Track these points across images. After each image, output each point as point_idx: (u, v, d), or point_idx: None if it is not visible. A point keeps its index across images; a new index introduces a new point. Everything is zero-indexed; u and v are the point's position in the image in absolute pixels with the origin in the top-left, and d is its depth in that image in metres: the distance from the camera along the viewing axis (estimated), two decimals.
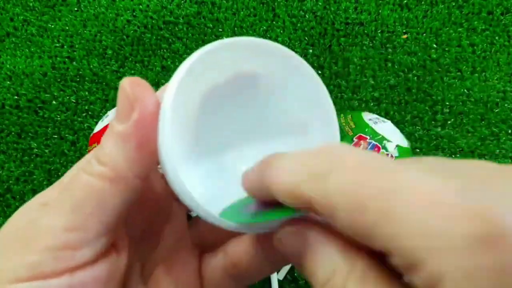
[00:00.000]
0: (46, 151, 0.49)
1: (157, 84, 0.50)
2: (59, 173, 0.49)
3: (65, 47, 0.52)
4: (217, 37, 0.52)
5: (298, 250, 0.14)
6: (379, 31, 0.51)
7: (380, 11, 0.52)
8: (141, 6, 0.53)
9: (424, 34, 0.51)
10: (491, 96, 0.49)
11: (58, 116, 0.50)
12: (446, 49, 0.51)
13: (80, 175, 0.15)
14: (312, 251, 0.14)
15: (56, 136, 0.50)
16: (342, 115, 0.39)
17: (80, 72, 0.51)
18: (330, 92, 0.50)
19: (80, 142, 0.49)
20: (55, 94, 0.50)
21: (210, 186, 0.18)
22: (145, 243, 0.20)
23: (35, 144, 0.49)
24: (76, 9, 0.53)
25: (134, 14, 0.53)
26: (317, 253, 0.14)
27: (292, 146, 0.17)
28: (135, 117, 0.15)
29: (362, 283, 0.13)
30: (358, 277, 0.13)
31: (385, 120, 0.39)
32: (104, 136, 0.16)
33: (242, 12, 0.52)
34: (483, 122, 0.49)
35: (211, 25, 0.52)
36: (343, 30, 0.51)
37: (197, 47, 0.52)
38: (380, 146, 0.40)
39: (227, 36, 0.52)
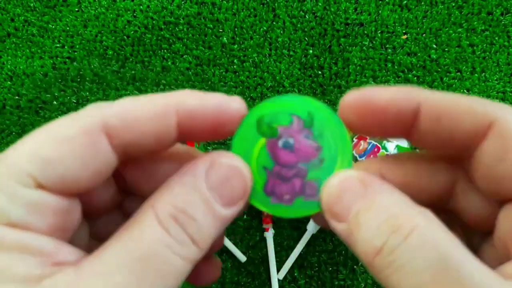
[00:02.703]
0: None
1: (157, 85, 0.50)
2: None
3: (65, 47, 0.52)
4: (217, 37, 0.52)
5: (355, 194, 0.15)
6: (379, 31, 0.51)
7: (380, 11, 0.52)
8: (141, 7, 0.53)
9: (424, 35, 0.51)
10: (491, 96, 0.49)
11: (59, 117, 0.50)
12: (446, 49, 0.51)
13: (167, 254, 0.13)
14: (377, 196, 0.14)
15: None
16: None
17: (81, 73, 0.51)
18: (330, 92, 0.50)
19: None
20: (56, 94, 0.50)
21: None
22: None
23: None
24: (76, 9, 0.53)
25: (135, 14, 0.53)
26: (384, 198, 0.14)
27: None
28: (242, 204, 0.16)
29: (437, 224, 0.13)
30: (431, 220, 0.13)
31: None
32: (199, 213, 0.14)
33: (242, 13, 0.52)
34: None
35: (211, 26, 0.52)
36: (343, 31, 0.51)
37: (197, 47, 0.52)
38: (380, 146, 0.40)
39: (227, 37, 0.52)
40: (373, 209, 0.14)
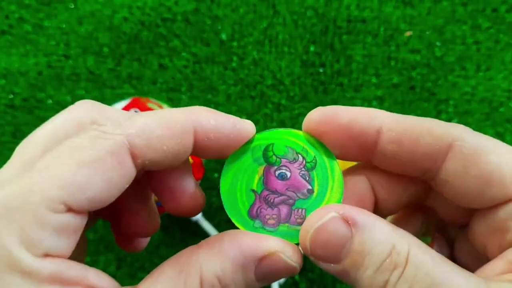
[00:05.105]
0: None
1: (154, 83, 0.50)
2: None
3: (60, 45, 0.51)
4: (216, 34, 0.51)
5: (343, 236, 0.15)
6: (382, 28, 0.50)
7: (382, 8, 0.51)
8: (138, 3, 0.52)
9: (428, 32, 0.50)
10: (496, 95, 0.49)
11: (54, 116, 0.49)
12: (450, 47, 0.50)
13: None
14: (366, 232, 0.15)
15: None
16: None
17: (76, 71, 0.50)
18: (332, 90, 0.50)
19: None
20: (51, 93, 0.50)
21: None
22: None
23: None
24: (72, 6, 0.52)
25: (131, 11, 0.52)
26: (373, 233, 0.15)
27: None
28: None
29: (422, 248, 0.15)
30: (417, 246, 0.15)
31: None
32: None
33: (241, 9, 0.51)
34: (488, 121, 0.48)
35: (209, 22, 0.51)
36: (345, 28, 0.51)
37: (195, 44, 0.51)
38: None
39: (226, 34, 0.51)
40: (367, 250, 0.15)
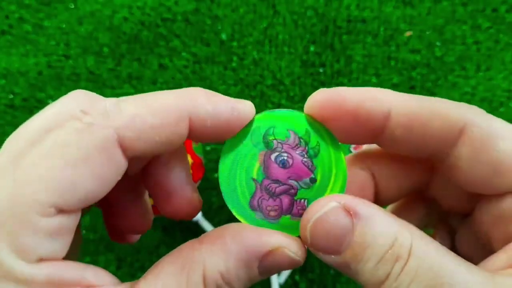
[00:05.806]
0: None
1: (154, 83, 0.50)
2: None
3: (60, 45, 0.51)
4: (216, 34, 0.51)
5: (344, 227, 0.14)
6: (382, 28, 0.50)
7: (382, 8, 0.51)
8: (138, 3, 0.52)
9: (428, 32, 0.50)
10: (496, 95, 0.48)
11: None
12: (450, 47, 0.50)
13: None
14: (367, 223, 0.14)
15: None
16: None
17: (76, 71, 0.50)
18: None
19: None
20: (51, 93, 0.50)
21: None
22: None
23: None
24: (72, 6, 0.52)
25: (131, 11, 0.52)
26: (375, 224, 0.14)
27: None
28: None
29: (425, 240, 0.14)
30: (420, 237, 0.14)
31: None
32: (241, 284, 0.15)
33: (241, 9, 0.51)
34: None
35: (209, 22, 0.51)
36: (345, 28, 0.51)
37: (195, 44, 0.51)
38: None
39: (226, 34, 0.51)
40: (368, 242, 0.14)
